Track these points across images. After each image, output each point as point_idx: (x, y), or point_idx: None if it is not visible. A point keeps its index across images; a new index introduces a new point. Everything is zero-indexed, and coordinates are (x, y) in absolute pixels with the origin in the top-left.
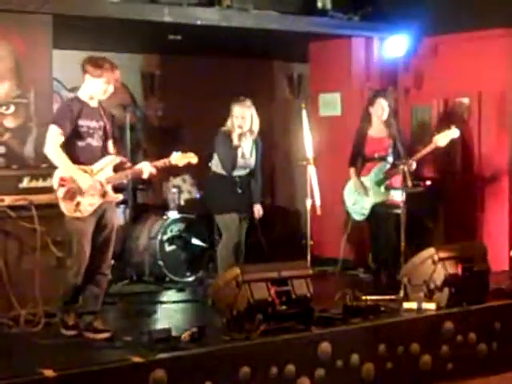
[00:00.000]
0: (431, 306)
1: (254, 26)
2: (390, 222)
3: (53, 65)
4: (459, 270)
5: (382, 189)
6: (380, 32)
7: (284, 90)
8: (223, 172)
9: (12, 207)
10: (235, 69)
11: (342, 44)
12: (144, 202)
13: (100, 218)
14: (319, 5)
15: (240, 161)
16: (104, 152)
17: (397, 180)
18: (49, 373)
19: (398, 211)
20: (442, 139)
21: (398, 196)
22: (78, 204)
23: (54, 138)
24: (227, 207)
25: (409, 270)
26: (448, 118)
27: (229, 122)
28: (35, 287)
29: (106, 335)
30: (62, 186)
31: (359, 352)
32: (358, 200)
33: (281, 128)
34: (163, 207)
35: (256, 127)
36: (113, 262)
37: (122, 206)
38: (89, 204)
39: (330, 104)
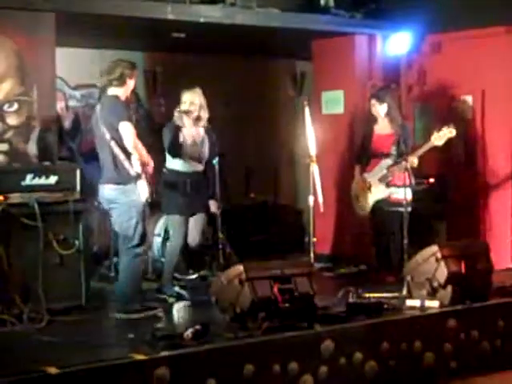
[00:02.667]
0: (434, 303)
1: (257, 23)
2: (394, 220)
3: (56, 63)
4: (462, 268)
5: (384, 185)
6: (383, 29)
7: (287, 87)
8: (176, 167)
9: (15, 205)
10: (238, 66)
11: (344, 42)
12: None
13: None
14: (322, 2)
15: (191, 149)
16: None
17: (399, 177)
18: (52, 370)
19: (402, 209)
20: (439, 138)
21: (402, 194)
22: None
23: (132, 132)
24: (174, 208)
25: (412, 268)
26: (451, 115)
27: (176, 113)
28: (38, 285)
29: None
30: (144, 166)
31: (362, 350)
32: (360, 196)
33: (284, 126)
34: None
35: (204, 115)
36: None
37: None
38: (147, 191)
39: (333, 102)
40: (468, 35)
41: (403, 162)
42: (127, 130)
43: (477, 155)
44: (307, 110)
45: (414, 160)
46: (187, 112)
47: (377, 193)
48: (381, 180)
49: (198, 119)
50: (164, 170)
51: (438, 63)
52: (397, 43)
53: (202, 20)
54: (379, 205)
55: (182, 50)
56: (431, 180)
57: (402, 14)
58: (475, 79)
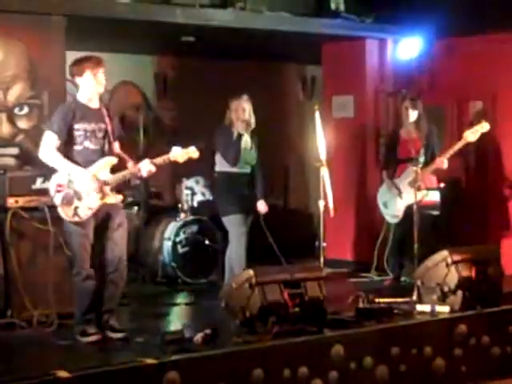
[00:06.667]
0: (445, 308)
1: (267, 27)
2: (427, 224)
3: (66, 66)
4: (473, 273)
5: (415, 190)
6: (394, 34)
7: (297, 92)
8: (228, 169)
9: (25, 208)
10: (248, 70)
11: (355, 46)
12: (157, 203)
13: (104, 221)
14: (332, 6)
15: (248, 155)
16: (106, 154)
17: (427, 180)
18: (62, 374)
19: (434, 212)
20: (472, 134)
21: (432, 196)
22: (76, 208)
23: (50, 141)
24: (234, 209)
25: (422, 273)
26: (462, 120)
27: (227, 118)
28: (48, 288)
29: (120, 335)
30: (59, 191)
31: (372, 354)
32: (391, 202)
33: (294, 130)
34: (176, 209)
35: (253, 121)
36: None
37: (135, 208)
38: (88, 208)
39: (344, 106)
40: (479, 40)
41: (433, 164)
42: (44, 139)
43: (488, 159)
44: (318, 115)
45: (444, 160)
46: (245, 120)
47: (408, 198)
48: (411, 184)
49: (248, 125)
50: (215, 174)
51: (449, 68)
52: (407, 48)
53: (211, 24)
54: (411, 210)
55: (191, 53)
56: (442, 185)
57: (413, 19)
58: (486, 84)
